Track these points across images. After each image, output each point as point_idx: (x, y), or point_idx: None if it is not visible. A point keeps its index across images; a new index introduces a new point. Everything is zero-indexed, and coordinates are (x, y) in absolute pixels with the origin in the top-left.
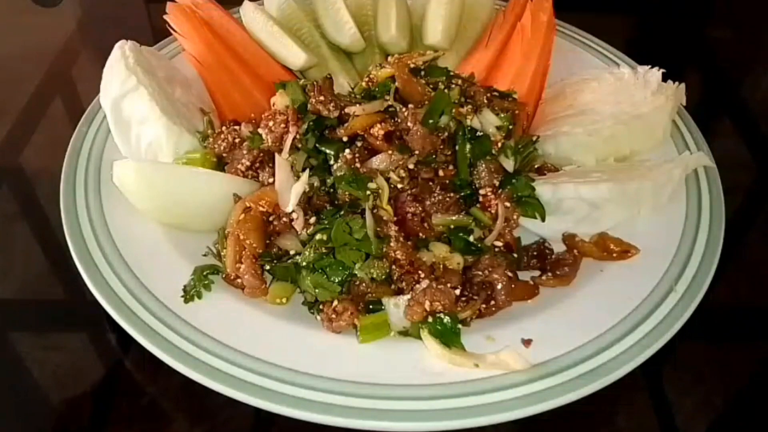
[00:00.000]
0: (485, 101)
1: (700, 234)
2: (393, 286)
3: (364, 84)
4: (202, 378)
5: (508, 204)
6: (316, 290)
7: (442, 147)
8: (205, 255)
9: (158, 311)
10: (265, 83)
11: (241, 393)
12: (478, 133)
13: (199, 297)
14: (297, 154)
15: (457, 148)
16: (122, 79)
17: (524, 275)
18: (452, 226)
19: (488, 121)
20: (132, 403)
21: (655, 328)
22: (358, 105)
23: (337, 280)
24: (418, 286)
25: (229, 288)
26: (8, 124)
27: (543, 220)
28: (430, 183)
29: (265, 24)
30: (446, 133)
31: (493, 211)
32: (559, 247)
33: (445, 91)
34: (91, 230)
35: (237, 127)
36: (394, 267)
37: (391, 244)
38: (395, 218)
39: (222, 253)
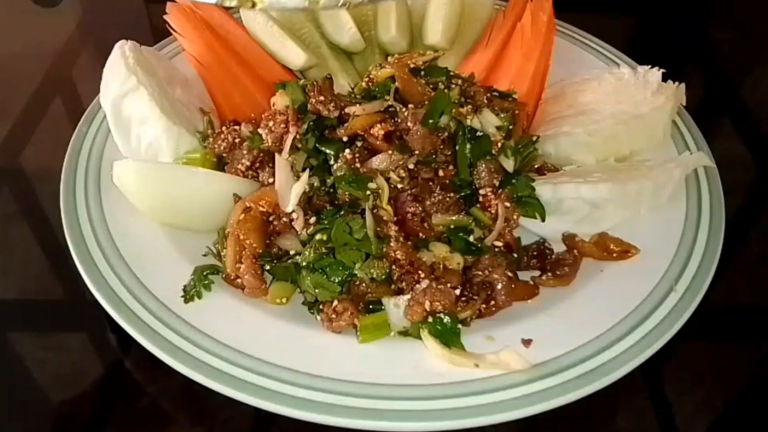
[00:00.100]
0: (485, 101)
1: (700, 234)
2: (393, 286)
3: (364, 84)
4: (202, 378)
5: (508, 204)
6: (316, 290)
7: (442, 147)
8: (205, 255)
9: (158, 311)
10: (266, 83)
11: (241, 393)
12: (478, 133)
13: (199, 297)
14: (297, 154)
15: (457, 148)
16: (122, 79)
17: (524, 275)
18: (452, 226)
19: (488, 121)
20: (132, 403)
21: (655, 328)
22: (358, 105)
23: (337, 280)
24: (418, 286)
25: (229, 288)
26: (8, 124)
27: (543, 220)
28: (430, 183)
29: (266, 24)
30: (446, 133)
31: (493, 211)
32: (559, 247)
33: (445, 91)
34: (91, 230)
35: (237, 127)
36: (394, 267)
37: (391, 244)
38: (395, 218)
39: (222, 253)
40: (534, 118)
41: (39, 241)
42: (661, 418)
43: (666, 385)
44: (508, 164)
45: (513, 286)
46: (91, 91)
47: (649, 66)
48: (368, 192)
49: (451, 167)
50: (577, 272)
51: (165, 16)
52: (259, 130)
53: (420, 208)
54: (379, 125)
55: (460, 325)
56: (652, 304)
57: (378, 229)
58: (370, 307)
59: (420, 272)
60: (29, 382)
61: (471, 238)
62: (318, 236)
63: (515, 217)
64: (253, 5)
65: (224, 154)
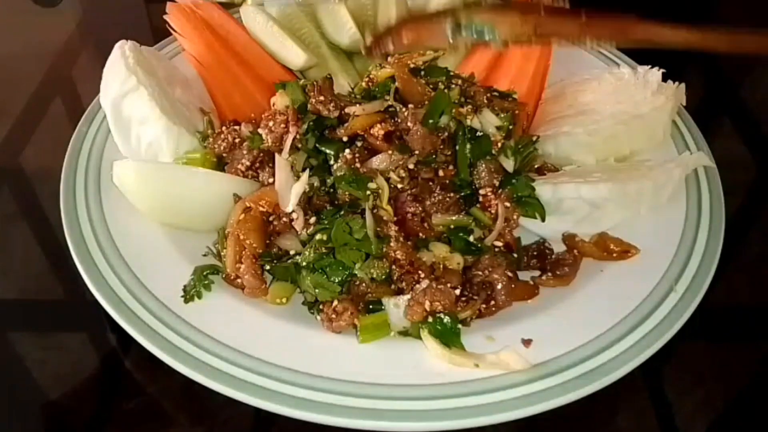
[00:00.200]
0: (485, 101)
1: (700, 234)
2: (393, 286)
3: (364, 84)
4: (202, 378)
5: (508, 204)
6: (316, 290)
7: (442, 147)
8: (205, 255)
9: (158, 311)
10: (266, 83)
11: (241, 393)
12: (478, 133)
13: (199, 297)
14: (297, 154)
15: (457, 148)
16: (122, 79)
17: (524, 275)
18: (452, 226)
19: (488, 121)
20: (132, 403)
21: (655, 328)
22: (358, 105)
23: (337, 280)
24: (418, 286)
25: (229, 288)
26: (8, 124)
27: (543, 220)
28: (430, 183)
29: (266, 24)
30: (446, 133)
31: (493, 211)
32: (559, 247)
33: (445, 91)
34: (91, 230)
35: (237, 127)
36: (394, 267)
37: (391, 244)
38: (395, 218)
39: (222, 253)
40: (534, 118)
41: (39, 241)
42: (661, 418)
43: (666, 385)
44: (508, 164)
45: (513, 286)
46: (91, 91)
47: (649, 66)
48: (368, 192)
49: (451, 167)
50: (577, 272)
51: (165, 16)
52: (259, 130)
53: (420, 208)
54: (379, 125)
55: (460, 325)
56: (652, 304)
57: (378, 229)
58: (370, 307)
59: (420, 272)
60: (29, 382)
61: (471, 238)
62: (318, 236)
63: (515, 217)
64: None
65: (224, 154)
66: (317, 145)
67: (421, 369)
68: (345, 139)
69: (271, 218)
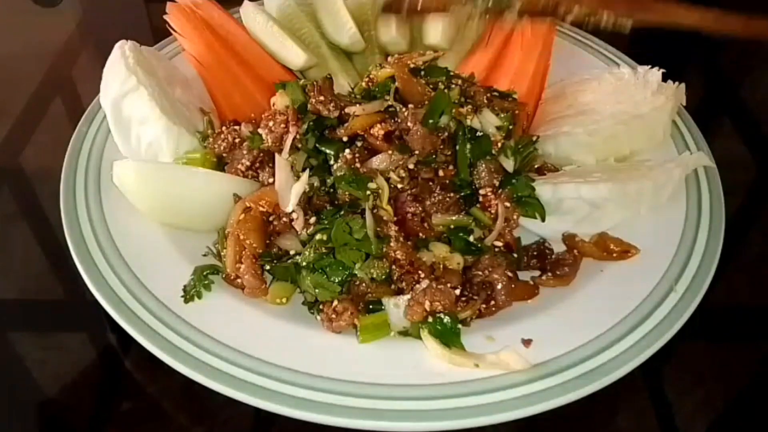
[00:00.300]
0: (485, 101)
1: (700, 234)
2: (393, 286)
3: (364, 84)
4: (202, 378)
5: (508, 204)
6: (316, 290)
7: (442, 147)
8: (205, 255)
9: (158, 311)
10: (266, 83)
11: (241, 393)
12: (478, 133)
13: (199, 297)
14: (297, 154)
15: (457, 148)
16: (122, 79)
17: (524, 275)
18: (452, 226)
19: (488, 121)
20: (132, 403)
21: (655, 328)
22: (358, 105)
23: (337, 280)
24: (418, 286)
25: (229, 288)
26: (8, 124)
27: (543, 220)
28: (430, 183)
29: (266, 24)
30: (446, 133)
31: (493, 211)
32: (559, 247)
33: (445, 91)
34: (91, 230)
35: (237, 127)
36: (394, 267)
37: (391, 244)
38: (395, 218)
39: (222, 253)
40: (534, 118)
41: (39, 241)
42: (661, 418)
43: (666, 385)
44: (508, 164)
45: (513, 286)
46: (91, 91)
47: (649, 66)
48: (368, 192)
49: (451, 167)
50: (577, 272)
51: (165, 16)
52: (259, 130)
53: (420, 208)
54: (379, 125)
55: (460, 325)
56: (652, 304)
57: (378, 229)
58: (370, 307)
59: (420, 272)
60: (29, 382)
61: (471, 238)
62: (318, 236)
63: (515, 217)
64: None
65: (224, 154)
66: (317, 145)
67: (421, 369)
68: (345, 139)
69: (271, 218)
